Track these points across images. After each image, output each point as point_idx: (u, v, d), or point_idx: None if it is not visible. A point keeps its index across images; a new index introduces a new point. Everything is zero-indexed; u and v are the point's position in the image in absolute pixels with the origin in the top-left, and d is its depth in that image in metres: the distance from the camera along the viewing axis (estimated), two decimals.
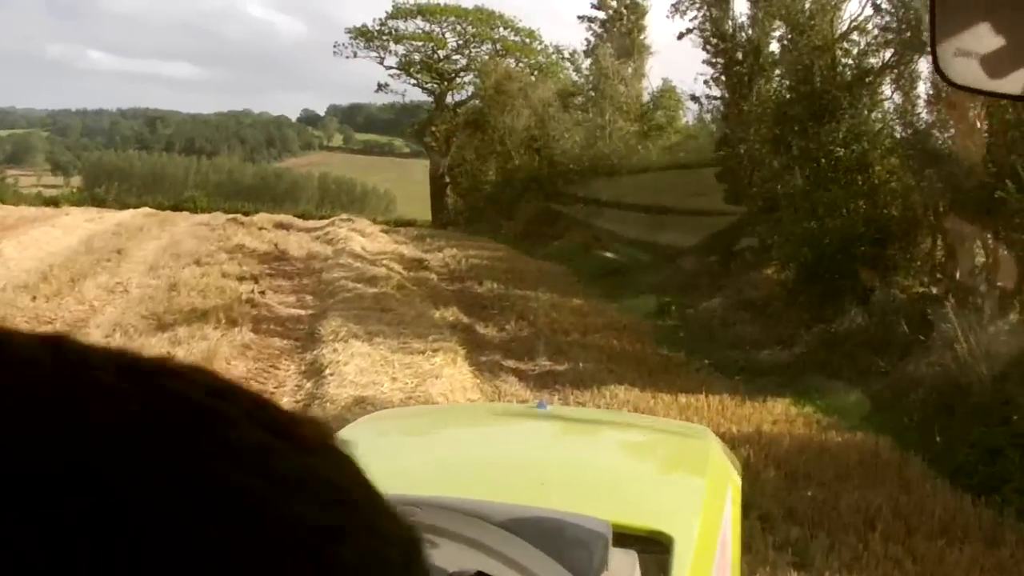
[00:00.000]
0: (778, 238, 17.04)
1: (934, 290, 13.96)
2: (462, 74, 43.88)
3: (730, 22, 22.02)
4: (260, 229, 28.18)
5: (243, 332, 13.78)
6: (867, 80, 16.87)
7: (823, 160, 16.41)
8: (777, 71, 20.57)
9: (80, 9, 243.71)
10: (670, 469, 3.64)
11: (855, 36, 17.88)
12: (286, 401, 10.80)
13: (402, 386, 11.10)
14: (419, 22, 44.62)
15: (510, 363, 13.64)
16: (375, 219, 38.57)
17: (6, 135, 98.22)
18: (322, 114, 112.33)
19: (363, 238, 26.12)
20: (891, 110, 16.75)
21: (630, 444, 4.01)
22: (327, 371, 11.55)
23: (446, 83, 43.74)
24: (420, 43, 44.26)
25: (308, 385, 11.36)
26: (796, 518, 8.35)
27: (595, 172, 28.62)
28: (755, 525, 7.85)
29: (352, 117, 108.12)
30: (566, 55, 40.20)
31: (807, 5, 18.22)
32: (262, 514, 0.38)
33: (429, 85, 44.16)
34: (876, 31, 16.90)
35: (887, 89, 16.91)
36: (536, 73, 39.66)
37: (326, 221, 32.12)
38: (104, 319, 14.62)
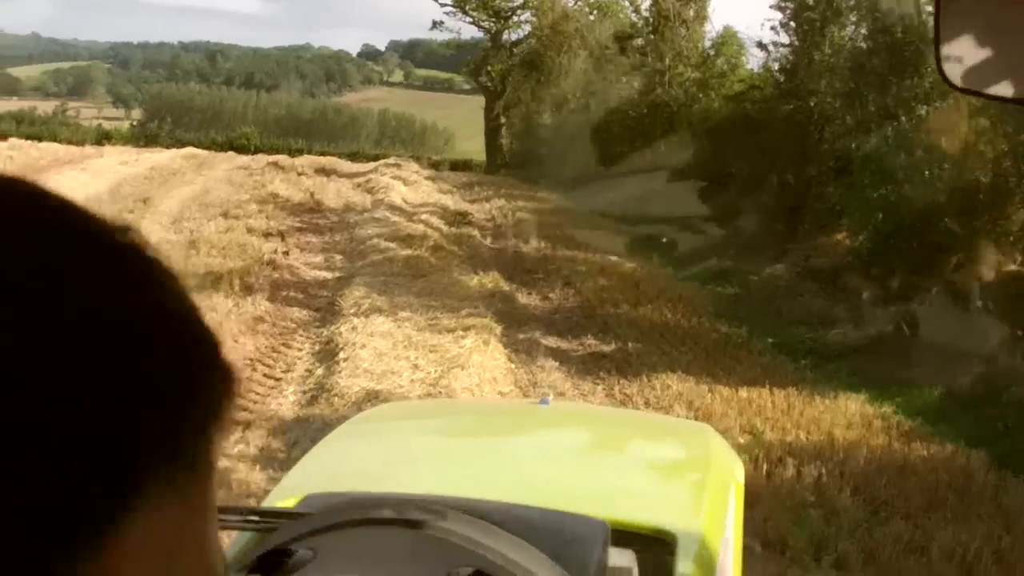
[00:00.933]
0: (851, 202, 15.61)
1: None
2: (518, 12, 42.39)
3: None
4: (299, 175, 26.85)
5: (257, 301, 12.67)
6: None
7: (903, 118, 15.19)
8: (853, 17, 19.27)
9: None
10: (673, 467, 3.58)
11: None
12: (291, 391, 9.65)
13: (423, 376, 9.87)
14: None
15: (551, 342, 12.39)
16: (430, 158, 38.29)
17: (68, 67, 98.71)
18: (382, 49, 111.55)
19: (406, 187, 24.73)
20: None
21: (633, 441, 3.96)
22: (341, 355, 10.36)
23: (502, 21, 42.35)
24: None
25: (319, 371, 10.16)
26: (878, 563, 7.06)
27: (654, 120, 27.13)
28: (829, 574, 6.68)
29: (412, 53, 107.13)
30: None
31: None
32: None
33: (485, 23, 42.82)
34: None
35: None
36: (594, 13, 37.91)
37: (371, 166, 30.64)
38: None
